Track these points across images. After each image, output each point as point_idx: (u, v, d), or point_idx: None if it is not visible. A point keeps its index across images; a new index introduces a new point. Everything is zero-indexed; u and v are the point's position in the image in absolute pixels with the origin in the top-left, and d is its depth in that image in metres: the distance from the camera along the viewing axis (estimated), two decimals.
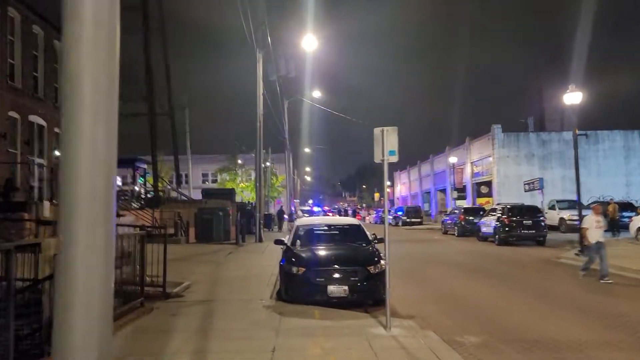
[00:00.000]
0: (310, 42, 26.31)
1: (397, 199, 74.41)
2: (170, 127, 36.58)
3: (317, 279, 8.99)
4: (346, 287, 8.88)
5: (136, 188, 33.27)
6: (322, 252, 9.89)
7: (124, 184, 35.33)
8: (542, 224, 22.80)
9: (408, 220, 46.81)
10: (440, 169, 52.30)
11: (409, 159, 61.64)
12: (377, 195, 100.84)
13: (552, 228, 26.65)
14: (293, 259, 9.52)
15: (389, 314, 7.51)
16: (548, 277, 13.56)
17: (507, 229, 22.83)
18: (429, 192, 57.43)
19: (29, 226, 16.29)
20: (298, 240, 10.40)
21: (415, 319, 8.44)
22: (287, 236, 11.94)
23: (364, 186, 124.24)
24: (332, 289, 8.85)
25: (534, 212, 23.39)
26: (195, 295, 10.41)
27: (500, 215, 23.54)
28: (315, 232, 10.99)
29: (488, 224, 24.80)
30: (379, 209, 75.12)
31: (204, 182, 70.68)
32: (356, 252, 9.96)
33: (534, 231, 22.60)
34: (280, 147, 55.81)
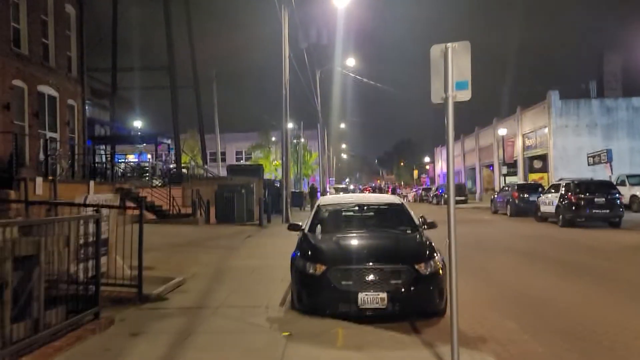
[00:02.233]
0: None
1: (438, 176, 70.65)
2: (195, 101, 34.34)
3: (343, 283, 6.23)
4: (384, 295, 6.09)
5: (159, 164, 31.20)
6: (350, 242, 7.11)
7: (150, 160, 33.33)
8: (618, 202, 19.31)
9: None
10: (486, 143, 48.36)
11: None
12: (416, 173, 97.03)
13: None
14: (309, 253, 6.77)
15: (456, 343, 4.72)
16: None
17: (574, 208, 19.47)
18: (474, 169, 53.56)
19: (15, 207, 14.18)
20: (319, 226, 7.63)
21: (489, 344, 5.63)
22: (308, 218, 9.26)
23: (401, 163, 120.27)
24: (365, 297, 6.08)
25: (607, 188, 19.89)
26: (183, 298, 7.83)
27: (565, 192, 20.14)
28: (343, 214, 8.20)
29: (549, 202, 21.45)
30: (418, 187, 71.63)
31: (238, 160, 69.01)
32: (399, 242, 7.12)
33: (607, 211, 19.16)
34: (313, 123, 53.17)
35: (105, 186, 19.84)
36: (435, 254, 6.61)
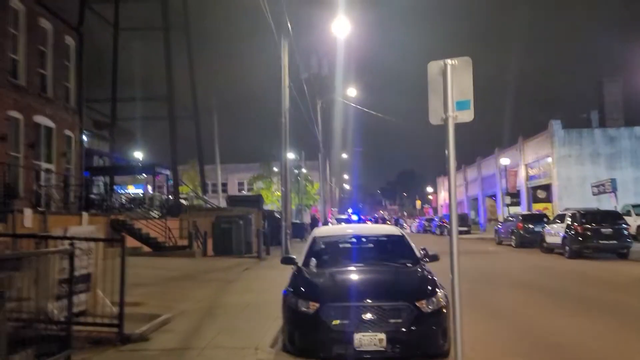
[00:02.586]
0: (342, 27, 23.14)
1: (441, 206, 70.13)
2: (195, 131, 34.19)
3: (338, 322, 5.71)
4: (383, 336, 5.57)
5: (158, 195, 30.82)
6: (346, 277, 6.62)
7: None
8: (625, 232, 18.78)
9: None
10: (488, 172, 47.98)
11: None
12: (419, 203, 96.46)
13: None
14: (302, 289, 6.27)
15: None
16: None
17: (580, 238, 18.91)
18: (477, 199, 53.06)
19: (4, 240, 13.70)
20: (314, 259, 7.14)
21: None
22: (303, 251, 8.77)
23: (404, 194, 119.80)
24: (362, 338, 5.56)
25: (613, 218, 19.38)
26: (167, 339, 7.28)
27: (571, 222, 19.62)
28: (340, 246, 7.71)
29: (555, 232, 20.90)
30: (422, 217, 70.95)
31: (240, 191, 68.66)
32: (399, 277, 6.62)
33: (615, 241, 18.60)
34: (315, 154, 52.95)
35: (100, 218, 19.42)
36: (437, 290, 6.11)
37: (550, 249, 21.51)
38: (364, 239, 7.75)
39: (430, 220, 56.50)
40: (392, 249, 7.55)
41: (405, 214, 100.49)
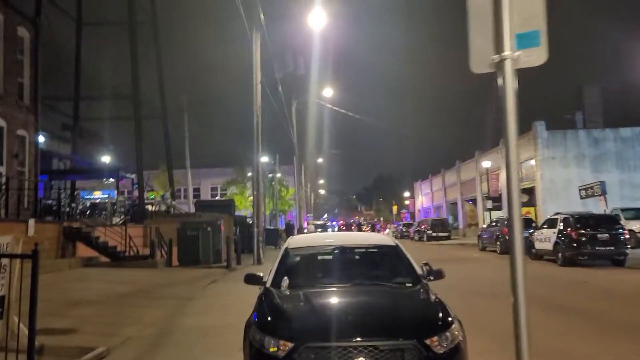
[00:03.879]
0: (318, 19, 21.65)
1: (419, 211, 69.06)
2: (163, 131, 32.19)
3: None
4: None
5: (121, 201, 28.74)
6: (329, 304, 5.03)
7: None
8: (622, 238, 17.60)
9: (434, 234, 41.73)
10: (468, 177, 46.97)
11: (431, 167, 56.49)
12: (395, 208, 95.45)
13: None
14: (270, 320, 4.65)
15: None
16: None
17: (574, 245, 17.69)
18: (456, 203, 52.05)
19: None
20: (285, 278, 5.49)
21: None
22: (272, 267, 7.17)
23: (380, 199, 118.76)
24: None
25: (609, 223, 18.23)
26: None
27: (563, 227, 18.41)
28: (319, 260, 6.09)
29: (545, 238, 19.69)
30: (398, 222, 69.76)
31: (213, 196, 66.58)
32: (398, 304, 5.01)
33: (612, 248, 17.42)
34: (290, 158, 51.37)
35: (50, 225, 17.47)
36: (451, 320, 4.57)
37: (539, 256, 20.32)
38: (349, 251, 6.13)
39: (408, 225, 55.36)
40: (385, 264, 5.98)
41: (382, 219, 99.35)
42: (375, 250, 6.26)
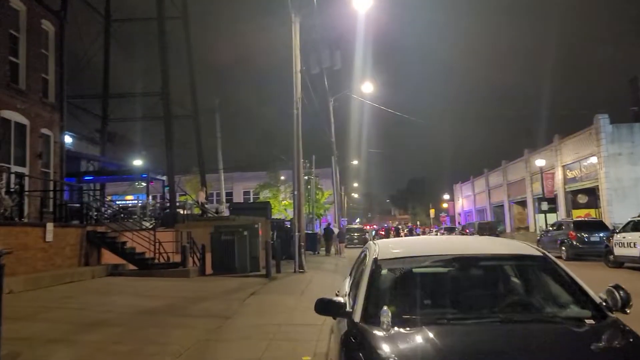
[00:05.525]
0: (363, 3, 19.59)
1: (459, 214, 66.05)
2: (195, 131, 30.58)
3: None
4: None
5: (152, 204, 27.21)
6: (470, 353, 2.89)
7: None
8: None
9: None
10: (516, 177, 43.99)
11: (471, 168, 53.53)
12: (432, 211, 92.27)
13: None
14: None
15: None
16: None
17: None
18: (502, 206, 49.03)
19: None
20: (385, 308, 3.34)
21: None
22: (346, 281, 5.07)
23: (416, 202, 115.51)
24: None
25: None
26: None
27: None
28: (432, 278, 3.96)
29: (629, 243, 17.11)
30: (438, 227, 66.79)
31: (246, 200, 65.14)
32: (590, 355, 2.86)
33: None
34: (326, 161, 49.39)
35: (73, 229, 15.82)
36: None
37: (619, 263, 17.82)
38: (476, 265, 3.97)
39: (450, 229, 52.57)
40: (537, 286, 3.84)
41: (418, 223, 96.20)
42: (513, 262, 4.08)
